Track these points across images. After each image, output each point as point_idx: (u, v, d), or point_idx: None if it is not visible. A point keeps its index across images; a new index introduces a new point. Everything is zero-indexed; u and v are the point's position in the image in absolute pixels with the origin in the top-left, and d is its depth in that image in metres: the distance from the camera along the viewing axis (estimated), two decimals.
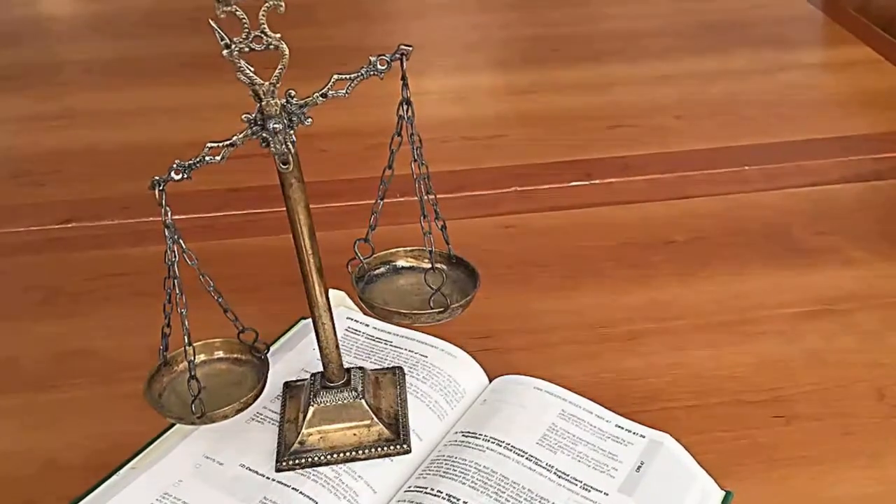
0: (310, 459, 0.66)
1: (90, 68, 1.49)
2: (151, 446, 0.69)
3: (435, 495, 0.62)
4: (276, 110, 0.55)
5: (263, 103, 0.54)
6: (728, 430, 0.72)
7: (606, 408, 0.71)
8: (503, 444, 0.67)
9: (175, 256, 0.58)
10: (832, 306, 0.85)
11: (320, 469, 0.66)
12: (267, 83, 0.54)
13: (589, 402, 0.72)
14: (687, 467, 0.66)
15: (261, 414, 0.71)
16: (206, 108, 1.25)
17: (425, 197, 0.63)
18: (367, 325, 0.81)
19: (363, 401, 0.68)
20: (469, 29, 1.61)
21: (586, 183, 1.08)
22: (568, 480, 0.65)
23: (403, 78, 0.58)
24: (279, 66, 0.53)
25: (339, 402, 0.67)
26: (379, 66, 0.57)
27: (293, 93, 0.55)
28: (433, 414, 0.71)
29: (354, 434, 0.67)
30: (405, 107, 0.60)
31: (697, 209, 1.02)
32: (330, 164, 1.12)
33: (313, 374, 0.69)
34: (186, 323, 0.59)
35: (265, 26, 0.51)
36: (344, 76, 0.57)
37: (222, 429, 0.67)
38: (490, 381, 0.75)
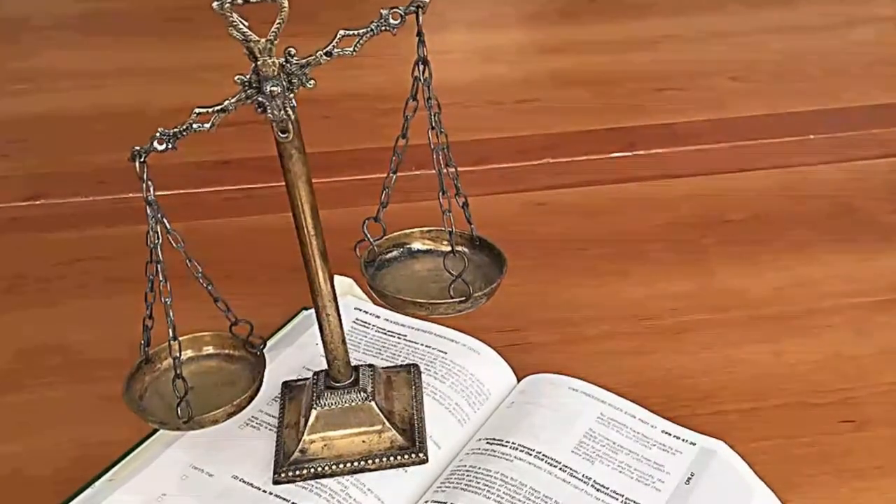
0: (312, 470, 0.66)
1: (59, 23, 1.49)
2: (131, 455, 0.69)
3: None
4: (273, 71, 0.55)
5: (259, 63, 0.54)
6: (790, 436, 0.71)
7: (652, 411, 0.71)
8: (533, 453, 0.67)
9: (158, 238, 0.58)
10: None
11: (324, 481, 0.66)
12: (263, 40, 0.53)
13: (631, 405, 0.72)
14: (743, 479, 0.66)
15: (256, 418, 0.72)
16: (194, 69, 1.25)
17: (444, 170, 0.63)
18: (378, 317, 0.81)
19: (373, 403, 0.68)
20: None
21: (629, 154, 1.07)
22: (607, 494, 0.65)
23: (419, 34, 0.58)
24: (277, 21, 0.53)
25: (346, 405, 0.67)
26: (391, 21, 0.57)
27: (293, 51, 0.55)
28: (453, 418, 0.72)
29: (363, 441, 0.68)
30: (421, 67, 0.60)
31: (755, 184, 1.01)
32: (335, 133, 1.12)
33: (316, 373, 0.69)
34: (171, 314, 0.59)
35: None
36: (351, 32, 0.57)
37: (212, 435, 0.67)
38: (518, 380, 0.75)
